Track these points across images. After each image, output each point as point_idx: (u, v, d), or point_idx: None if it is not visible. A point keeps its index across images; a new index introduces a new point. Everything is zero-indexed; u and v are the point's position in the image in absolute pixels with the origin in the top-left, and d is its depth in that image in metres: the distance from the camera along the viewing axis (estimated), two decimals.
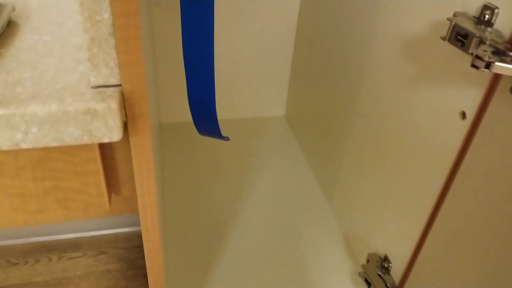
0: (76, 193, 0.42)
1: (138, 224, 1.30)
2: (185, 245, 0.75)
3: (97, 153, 0.41)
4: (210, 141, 1.00)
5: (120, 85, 0.38)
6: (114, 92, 0.37)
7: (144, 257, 1.25)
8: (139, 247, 1.25)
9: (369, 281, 0.65)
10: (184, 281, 0.69)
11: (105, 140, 0.37)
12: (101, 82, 0.37)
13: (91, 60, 0.36)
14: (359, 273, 0.68)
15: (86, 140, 0.36)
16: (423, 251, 0.56)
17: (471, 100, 0.45)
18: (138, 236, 1.28)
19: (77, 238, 1.26)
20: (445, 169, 0.50)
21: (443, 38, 0.43)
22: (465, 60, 0.45)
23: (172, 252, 0.74)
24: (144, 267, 1.19)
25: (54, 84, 0.37)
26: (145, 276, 1.17)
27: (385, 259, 0.65)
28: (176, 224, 0.79)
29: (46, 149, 0.39)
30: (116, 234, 1.28)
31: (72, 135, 0.35)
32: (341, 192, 0.80)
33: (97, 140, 0.36)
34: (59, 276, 1.14)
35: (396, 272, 0.63)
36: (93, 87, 0.37)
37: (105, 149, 0.43)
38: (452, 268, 0.48)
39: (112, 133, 0.37)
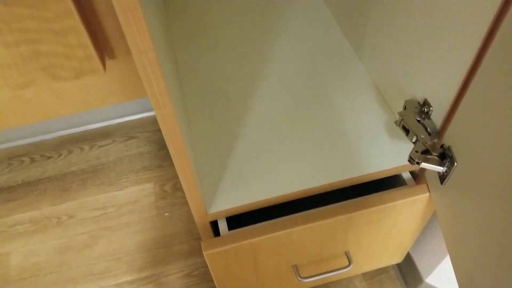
0: (62, 58, 0.36)
1: None
2: (207, 109, 0.70)
3: (70, 4, 0.33)
4: None
5: None
6: None
7: None
8: None
9: (407, 128, 0.59)
10: (209, 145, 0.66)
11: None
12: None
13: None
14: (396, 122, 0.62)
15: None
16: (468, 93, 0.48)
17: None
18: None
19: (104, 126, 1.26)
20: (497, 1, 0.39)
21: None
22: None
23: (194, 118, 0.69)
24: None
25: None
26: None
27: (425, 103, 0.58)
28: (194, 89, 0.73)
29: (6, 5, 0.31)
30: (141, 119, 1.27)
31: None
32: (371, 43, 0.71)
33: None
34: (94, 163, 1.17)
35: (437, 116, 0.56)
36: None
37: (85, 2, 0.35)
38: (500, 112, 0.41)
39: None
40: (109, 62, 0.82)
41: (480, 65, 0.46)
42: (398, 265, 0.95)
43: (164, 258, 0.99)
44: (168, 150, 1.19)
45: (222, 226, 0.63)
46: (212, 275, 0.65)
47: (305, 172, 0.62)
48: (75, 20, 0.34)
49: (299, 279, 0.68)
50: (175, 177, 1.13)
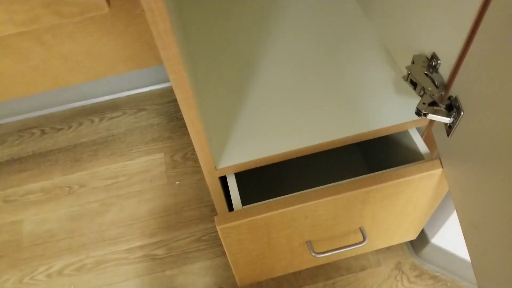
0: None
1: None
2: (215, 67, 0.69)
3: None
4: None
5: None
6: None
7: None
8: (175, 101, 1.24)
9: (415, 81, 0.58)
10: (217, 102, 0.65)
11: None
12: None
13: None
14: (404, 77, 0.61)
15: None
16: (473, 45, 0.47)
17: None
18: (172, 91, 1.26)
19: (114, 99, 1.26)
20: None
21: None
22: None
23: (203, 76, 0.69)
24: (183, 118, 1.20)
25: None
26: (185, 125, 1.18)
27: (433, 57, 0.57)
28: (203, 49, 0.73)
29: None
30: (150, 91, 1.27)
31: None
32: (380, 4, 0.69)
33: None
34: (104, 135, 1.18)
35: (445, 69, 0.56)
36: None
37: None
38: (505, 62, 0.40)
39: None
40: (117, 27, 0.82)
41: (484, 17, 0.45)
42: None
43: (175, 224, 1.00)
44: (177, 122, 1.20)
45: (234, 192, 0.62)
46: (225, 250, 0.65)
47: (312, 128, 0.62)
48: None
49: (313, 254, 0.68)
50: (185, 147, 1.13)
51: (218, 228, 0.59)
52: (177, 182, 1.07)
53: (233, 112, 0.65)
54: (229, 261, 0.70)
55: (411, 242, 0.93)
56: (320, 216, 0.63)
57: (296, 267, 0.81)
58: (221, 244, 0.96)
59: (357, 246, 0.70)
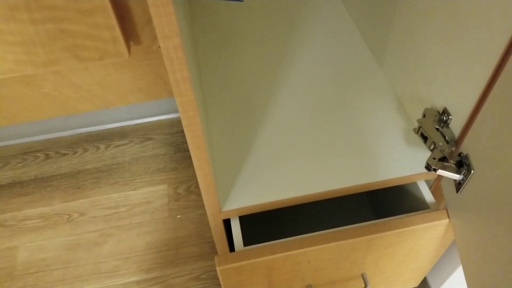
0: (87, 39, 0.36)
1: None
2: (226, 109, 0.69)
3: None
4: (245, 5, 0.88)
5: None
6: None
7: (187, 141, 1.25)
8: (183, 132, 1.24)
9: (426, 135, 0.58)
10: (226, 143, 0.65)
11: None
12: None
13: None
14: (414, 129, 0.60)
15: None
16: (487, 103, 0.47)
17: None
18: (180, 122, 1.27)
19: (122, 127, 1.26)
20: None
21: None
22: None
23: (213, 117, 0.69)
24: (188, 150, 1.19)
25: None
26: (190, 157, 1.18)
27: (444, 112, 0.57)
28: (215, 89, 0.73)
29: None
30: (159, 121, 1.27)
31: None
32: (392, 52, 0.70)
33: None
34: (109, 162, 1.17)
35: (456, 125, 0.55)
36: None
37: None
38: None
39: None
40: (131, 60, 0.83)
41: (500, 75, 0.45)
42: None
43: (173, 260, 0.98)
44: (183, 153, 1.19)
45: (237, 234, 0.61)
46: None
47: (321, 175, 0.61)
48: (103, 0, 0.34)
49: None
50: (189, 180, 1.12)
51: (218, 269, 0.57)
52: (178, 216, 1.06)
53: (241, 154, 0.64)
54: None
55: None
56: (323, 261, 0.62)
57: None
58: (220, 284, 0.94)
59: None
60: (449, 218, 0.59)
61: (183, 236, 1.02)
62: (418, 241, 0.63)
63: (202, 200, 1.08)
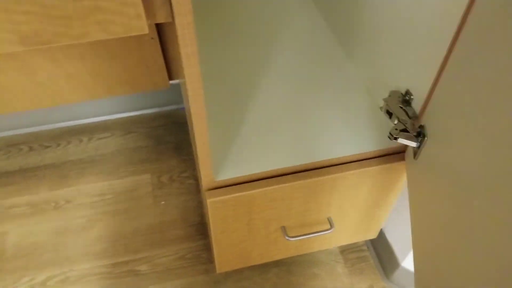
0: (116, 14, 0.42)
1: (162, 105, 1.33)
2: (221, 102, 0.77)
3: None
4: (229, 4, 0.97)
5: None
6: None
7: (171, 134, 1.31)
8: (165, 126, 1.30)
9: (390, 111, 0.68)
10: (220, 122, 0.73)
11: None
12: None
13: None
14: (381, 107, 0.71)
15: None
16: (440, 83, 0.58)
17: None
18: (162, 116, 1.33)
19: (104, 120, 1.31)
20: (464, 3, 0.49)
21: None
22: None
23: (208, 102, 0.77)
24: (171, 142, 1.25)
25: None
26: (174, 149, 1.24)
27: (407, 93, 0.67)
28: (211, 76, 0.81)
29: None
30: (141, 115, 1.33)
31: None
32: (360, 46, 0.80)
33: None
34: (92, 154, 1.22)
35: (417, 103, 0.66)
36: None
37: None
38: (469, 101, 0.50)
39: None
40: (122, 50, 0.89)
41: (449, 59, 0.56)
42: (376, 252, 1.02)
43: (159, 242, 1.03)
44: (165, 145, 1.25)
45: None
46: (211, 228, 0.73)
47: (294, 150, 0.70)
48: None
49: (287, 237, 0.78)
50: (172, 169, 1.19)
51: (208, 201, 0.67)
52: (162, 202, 1.11)
53: (229, 132, 0.72)
54: (213, 242, 0.77)
55: (382, 266, 1.00)
56: (295, 199, 0.72)
57: (271, 256, 0.88)
58: (204, 263, 1.00)
59: (325, 232, 0.80)
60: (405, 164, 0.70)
61: (168, 220, 1.08)
62: (375, 183, 0.75)
63: (185, 188, 1.14)
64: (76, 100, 1.01)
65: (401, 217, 0.88)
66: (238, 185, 0.68)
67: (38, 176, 1.15)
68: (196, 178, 1.17)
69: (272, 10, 0.99)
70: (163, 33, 0.87)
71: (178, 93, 1.33)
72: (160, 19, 0.47)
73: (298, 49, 0.89)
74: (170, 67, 1.04)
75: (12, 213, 1.07)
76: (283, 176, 0.68)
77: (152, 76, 1.03)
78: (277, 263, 1.00)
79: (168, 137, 1.28)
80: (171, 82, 1.29)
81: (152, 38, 0.86)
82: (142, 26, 0.44)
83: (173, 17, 0.48)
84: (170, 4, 0.46)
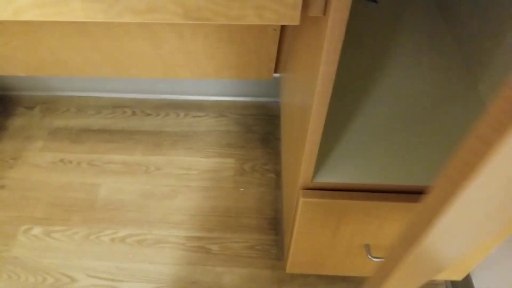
0: (274, 2, 0.44)
1: (256, 95, 1.36)
2: (338, 102, 0.77)
3: None
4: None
5: None
6: None
7: (260, 124, 1.34)
8: (256, 116, 1.33)
9: None
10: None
11: None
12: None
13: None
14: None
15: None
16: None
17: None
18: (254, 106, 1.35)
19: (201, 100, 1.37)
20: None
21: None
22: None
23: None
24: (259, 133, 1.28)
25: None
26: (260, 140, 1.26)
27: None
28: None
29: None
30: (235, 101, 1.37)
31: None
32: (493, 72, 0.75)
33: None
34: (186, 129, 1.28)
35: None
36: None
37: None
38: None
39: None
40: (241, 36, 0.92)
41: None
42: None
43: (233, 226, 1.06)
44: (252, 134, 1.28)
45: None
46: (295, 227, 0.72)
47: (405, 167, 0.67)
48: None
49: (369, 256, 0.74)
50: (255, 159, 1.21)
51: (301, 200, 0.66)
52: (241, 189, 1.14)
53: (341, 134, 0.72)
54: (292, 240, 0.77)
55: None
56: (389, 220, 0.69)
57: (345, 270, 0.86)
58: (272, 258, 1.01)
59: None
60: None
61: (244, 207, 1.10)
62: None
63: (265, 180, 1.16)
64: (186, 76, 1.07)
65: (496, 266, 0.81)
66: (334, 192, 0.67)
67: (136, 139, 1.24)
68: (277, 173, 1.18)
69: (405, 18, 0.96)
70: (284, 27, 0.88)
71: (274, 87, 1.35)
72: (312, 13, 0.48)
73: (428, 63, 0.85)
74: (279, 60, 1.06)
75: (107, 168, 1.16)
76: (384, 193, 0.66)
77: (260, 66, 1.05)
78: (346, 279, 0.98)
79: (256, 127, 1.30)
80: (274, 75, 1.31)
81: (274, 30, 0.88)
82: (295, 17, 0.45)
83: (325, 12, 0.48)
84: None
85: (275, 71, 1.11)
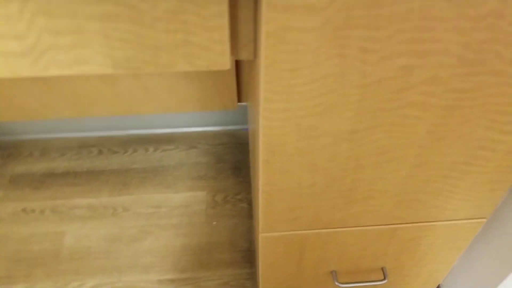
0: (202, 49, 0.42)
1: (226, 124, 1.34)
2: None
3: (225, 8, 0.39)
4: None
5: None
6: None
7: (230, 153, 1.31)
8: (226, 144, 1.31)
9: None
10: None
11: None
12: None
13: None
14: None
15: None
16: None
17: None
18: (225, 134, 1.33)
19: (170, 133, 1.34)
20: None
21: None
22: None
23: None
24: (230, 162, 1.25)
25: None
26: (231, 169, 1.24)
27: None
28: None
29: (192, 2, 0.38)
30: (205, 131, 1.35)
31: None
32: None
33: None
34: (155, 164, 1.25)
35: None
36: None
37: (231, 7, 0.42)
38: None
39: None
40: (208, 73, 0.91)
41: None
42: None
43: (206, 263, 1.02)
44: (223, 164, 1.25)
45: None
46: (260, 261, 0.71)
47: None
48: (224, 20, 0.41)
49: (336, 283, 0.74)
50: (227, 190, 1.18)
51: (260, 235, 0.64)
52: (214, 223, 1.11)
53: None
54: (259, 274, 0.75)
55: None
56: (349, 245, 0.68)
57: None
58: None
59: (377, 283, 0.75)
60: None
61: (217, 242, 1.07)
62: (438, 239, 0.69)
63: (237, 211, 1.13)
64: (149, 112, 1.04)
65: (462, 275, 0.80)
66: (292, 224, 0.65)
67: (102, 180, 1.20)
68: (249, 202, 1.15)
69: None
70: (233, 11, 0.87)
71: (242, 114, 1.34)
72: (243, 57, 0.46)
73: None
74: (241, 89, 1.05)
75: (72, 214, 1.12)
76: (341, 220, 0.65)
77: (222, 97, 1.04)
78: None
79: (227, 156, 1.28)
80: (238, 103, 1.30)
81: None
82: (225, 62, 0.44)
83: (255, 55, 0.47)
84: (255, 43, 0.46)
85: (240, 100, 1.09)
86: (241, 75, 0.95)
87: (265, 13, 0.38)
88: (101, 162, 1.25)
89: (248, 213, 1.12)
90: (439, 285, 0.90)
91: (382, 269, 0.76)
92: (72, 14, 0.39)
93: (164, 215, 1.12)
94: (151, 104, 0.98)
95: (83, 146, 1.29)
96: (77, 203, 1.14)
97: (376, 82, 0.44)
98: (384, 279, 0.75)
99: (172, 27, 0.40)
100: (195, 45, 0.42)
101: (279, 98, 0.45)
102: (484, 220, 0.65)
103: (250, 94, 0.92)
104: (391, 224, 0.65)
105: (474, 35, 0.40)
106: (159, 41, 0.41)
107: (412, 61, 0.42)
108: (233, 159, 1.27)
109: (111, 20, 0.40)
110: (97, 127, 1.31)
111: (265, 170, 0.54)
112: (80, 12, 0.39)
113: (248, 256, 1.04)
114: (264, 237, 0.65)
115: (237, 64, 0.92)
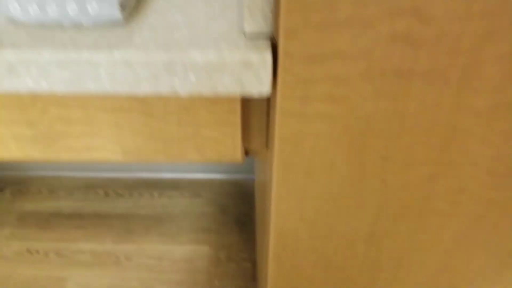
0: (214, 142, 0.42)
1: (233, 172, 1.34)
2: None
3: (238, 105, 0.40)
4: None
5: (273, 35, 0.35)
6: (268, 43, 0.35)
7: (236, 204, 1.30)
8: (231, 194, 1.30)
9: None
10: None
11: (255, 93, 0.35)
12: (255, 29, 0.35)
13: (247, 5, 0.34)
14: None
15: (237, 91, 0.34)
16: None
17: None
18: (230, 183, 1.33)
19: (176, 178, 1.34)
20: None
21: None
22: None
23: None
24: (235, 214, 1.24)
25: (207, 30, 0.36)
26: (236, 222, 1.22)
27: None
28: None
29: (193, 97, 0.39)
30: (210, 179, 1.34)
31: (225, 86, 0.34)
32: None
33: (247, 93, 0.35)
34: (159, 211, 1.23)
35: None
36: (247, 36, 0.35)
37: (243, 101, 0.42)
38: None
39: (263, 87, 0.35)
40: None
41: None
42: None
43: None
44: (228, 216, 1.24)
45: None
46: None
47: None
48: (237, 117, 0.41)
49: None
50: (231, 246, 1.16)
51: None
52: (216, 283, 1.08)
53: None
54: None
55: None
56: None
57: None
58: None
59: None
60: None
61: None
62: None
63: (240, 271, 1.10)
64: (153, 160, 1.05)
65: None
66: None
67: (107, 225, 1.19)
68: (253, 262, 1.12)
69: None
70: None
71: (251, 163, 1.33)
72: (254, 147, 0.46)
73: None
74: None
75: (76, 259, 1.10)
76: None
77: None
78: None
79: (232, 208, 1.27)
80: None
81: None
82: (236, 155, 0.43)
83: (267, 145, 0.46)
84: (267, 134, 0.45)
85: (247, 154, 1.09)
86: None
87: (279, 119, 0.37)
88: (107, 205, 1.24)
89: (252, 274, 1.09)
90: None
91: None
92: (84, 106, 0.40)
93: (166, 269, 1.09)
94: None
95: (90, 186, 1.29)
96: (81, 247, 1.13)
97: (398, 189, 0.43)
98: None
99: (184, 120, 0.40)
100: (206, 138, 0.42)
101: (292, 198, 0.44)
102: None
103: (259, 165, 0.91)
104: None
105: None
106: (171, 133, 0.41)
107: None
108: (237, 211, 1.26)
109: (123, 111, 0.40)
110: (104, 168, 1.31)
111: (274, 267, 0.52)
112: (92, 104, 0.39)
113: None
114: None
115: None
